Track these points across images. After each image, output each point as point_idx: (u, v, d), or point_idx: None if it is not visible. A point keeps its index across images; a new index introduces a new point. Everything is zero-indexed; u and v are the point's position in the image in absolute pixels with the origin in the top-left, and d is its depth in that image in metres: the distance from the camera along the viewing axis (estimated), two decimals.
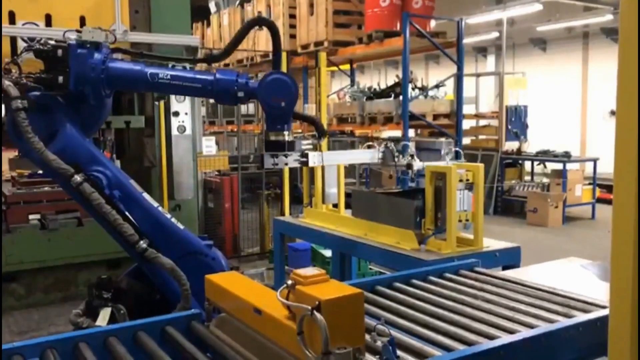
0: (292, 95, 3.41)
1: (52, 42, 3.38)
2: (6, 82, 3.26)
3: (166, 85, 3.51)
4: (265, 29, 3.69)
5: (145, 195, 3.60)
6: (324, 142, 4.35)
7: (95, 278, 3.61)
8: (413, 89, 9.45)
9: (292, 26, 10.72)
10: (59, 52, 3.33)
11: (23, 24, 5.24)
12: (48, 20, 5.27)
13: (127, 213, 3.39)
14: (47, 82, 3.34)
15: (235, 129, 11.65)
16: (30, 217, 5.94)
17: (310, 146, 3.89)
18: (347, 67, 11.69)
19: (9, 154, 9.85)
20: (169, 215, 3.65)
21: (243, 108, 12.32)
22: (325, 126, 4.46)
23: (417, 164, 4.08)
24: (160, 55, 4.67)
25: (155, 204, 3.61)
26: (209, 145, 9.13)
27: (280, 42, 3.60)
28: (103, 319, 3.25)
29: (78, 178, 3.26)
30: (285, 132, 3.49)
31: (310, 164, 3.87)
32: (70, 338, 2.01)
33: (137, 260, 3.49)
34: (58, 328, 5.28)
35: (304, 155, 3.75)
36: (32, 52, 3.38)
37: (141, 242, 3.31)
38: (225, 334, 2.06)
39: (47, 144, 3.25)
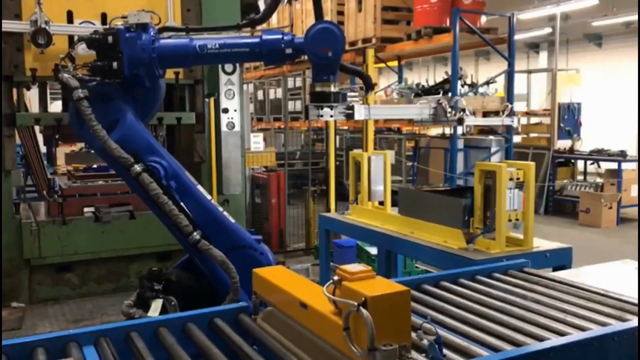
0: (339, 45, 3.34)
1: (101, 31, 3.49)
2: (65, 75, 3.40)
3: (216, 55, 3.52)
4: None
5: (199, 188, 3.67)
6: (371, 99, 4.08)
7: (146, 270, 3.71)
8: (462, 85, 9.32)
9: (340, 22, 10.70)
10: (109, 39, 3.42)
11: (80, 23, 5.41)
12: (104, 19, 5.42)
13: (182, 204, 3.47)
14: (102, 69, 3.44)
15: (283, 126, 11.73)
16: (85, 209, 6.12)
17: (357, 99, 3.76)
18: (394, 63, 11.61)
19: (65, 149, 10.18)
20: (220, 209, 3.71)
21: (290, 105, 12.37)
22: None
23: (470, 120, 3.92)
24: (204, 27, 4.71)
25: (209, 197, 3.68)
26: (256, 142, 9.23)
27: None
28: (155, 309, 3.34)
29: (138, 168, 3.36)
30: (332, 83, 3.41)
31: (357, 117, 3.67)
32: (122, 327, 2.08)
33: (189, 251, 3.56)
34: (110, 318, 5.43)
35: (350, 107, 3.61)
36: (85, 42, 3.50)
37: (195, 233, 3.38)
38: (271, 327, 2.09)
39: (108, 133, 3.36)
